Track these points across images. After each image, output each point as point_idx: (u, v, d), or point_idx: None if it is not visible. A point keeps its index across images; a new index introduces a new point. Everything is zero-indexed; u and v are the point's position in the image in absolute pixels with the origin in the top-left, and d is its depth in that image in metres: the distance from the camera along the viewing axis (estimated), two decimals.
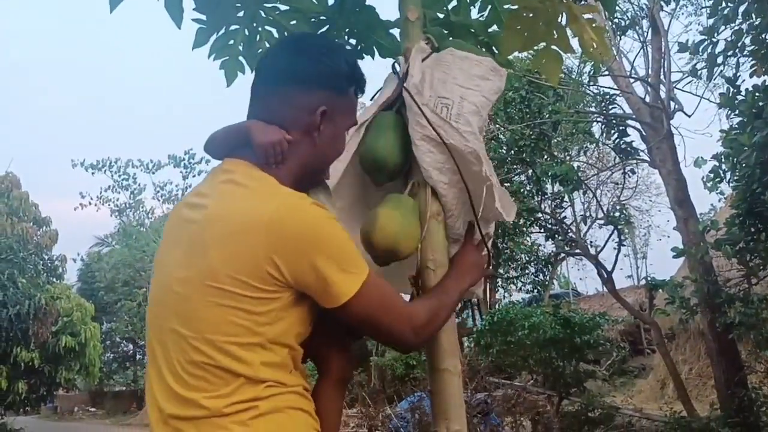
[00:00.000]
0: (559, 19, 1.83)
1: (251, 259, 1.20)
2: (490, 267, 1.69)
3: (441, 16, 1.99)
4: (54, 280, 16.14)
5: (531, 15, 1.82)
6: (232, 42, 2.03)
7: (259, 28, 2.03)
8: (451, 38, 1.88)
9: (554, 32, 1.99)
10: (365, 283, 1.27)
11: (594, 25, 1.94)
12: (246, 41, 2.04)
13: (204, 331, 1.21)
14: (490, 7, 2.04)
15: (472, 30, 2.05)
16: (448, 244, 1.66)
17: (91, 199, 30.60)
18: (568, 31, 1.98)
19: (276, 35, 2.05)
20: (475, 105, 1.65)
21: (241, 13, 2.02)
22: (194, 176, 28.89)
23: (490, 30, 2.07)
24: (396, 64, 1.74)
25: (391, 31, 2.08)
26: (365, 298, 1.27)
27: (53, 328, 13.99)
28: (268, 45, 2.05)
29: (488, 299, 16.54)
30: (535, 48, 2.08)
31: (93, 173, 30.42)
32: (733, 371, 7.53)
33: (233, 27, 2.01)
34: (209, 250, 1.23)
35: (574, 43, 2.09)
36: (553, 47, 2.01)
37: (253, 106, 1.43)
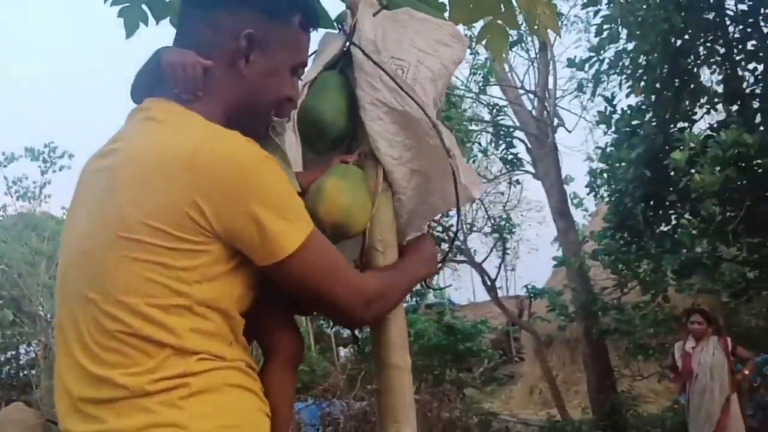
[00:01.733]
0: None
1: (168, 202, 0.97)
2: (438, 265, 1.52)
3: None
4: None
5: None
6: None
7: None
8: None
9: (501, 6, 1.89)
10: (310, 237, 1.07)
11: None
12: None
13: (116, 292, 0.98)
14: None
15: None
16: (397, 224, 1.48)
17: None
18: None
19: None
20: (432, 71, 1.48)
21: None
22: (54, 172, 26.64)
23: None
24: (341, 20, 1.54)
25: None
26: (310, 255, 1.06)
27: None
28: None
29: None
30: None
31: None
32: (605, 376, 7.90)
33: None
34: (119, 196, 1.01)
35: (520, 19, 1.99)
36: (499, 22, 1.90)
37: (176, 37, 1.20)
